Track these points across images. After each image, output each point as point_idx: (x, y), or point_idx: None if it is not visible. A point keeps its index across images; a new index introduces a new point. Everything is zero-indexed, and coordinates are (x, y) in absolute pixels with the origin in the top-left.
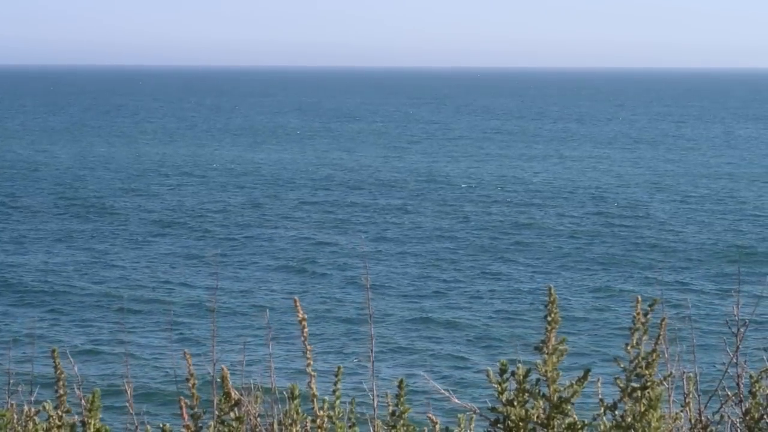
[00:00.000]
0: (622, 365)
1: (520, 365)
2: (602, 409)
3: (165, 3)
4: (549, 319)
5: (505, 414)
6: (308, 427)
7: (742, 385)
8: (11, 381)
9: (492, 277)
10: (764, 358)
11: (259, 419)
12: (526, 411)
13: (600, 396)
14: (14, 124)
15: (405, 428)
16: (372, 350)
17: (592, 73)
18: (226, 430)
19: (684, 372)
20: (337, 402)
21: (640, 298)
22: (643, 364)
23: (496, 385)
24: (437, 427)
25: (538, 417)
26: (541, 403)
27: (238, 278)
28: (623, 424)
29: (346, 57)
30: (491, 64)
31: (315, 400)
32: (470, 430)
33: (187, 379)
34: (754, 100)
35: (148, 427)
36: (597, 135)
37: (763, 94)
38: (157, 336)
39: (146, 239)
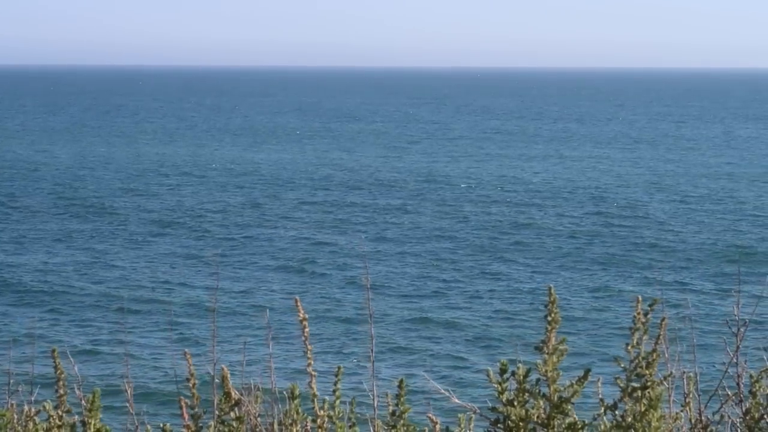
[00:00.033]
0: (622, 365)
1: (520, 365)
2: (602, 408)
3: (165, 3)
4: (549, 319)
5: (506, 414)
6: (308, 427)
7: (742, 385)
8: (11, 381)
9: (491, 277)
10: (764, 358)
11: (259, 419)
12: (527, 411)
13: (600, 396)
14: (14, 124)
15: (405, 428)
16: (372, 350)
17: (592, 73)
18: (226, 430)
19: (684, 372)
20: (338, 402)
21: (640, 298)
22: (644, 364)
23: (496, 385)
24: (437, 427)
25: (538, 417)
26: (541, 403)
27: (237, 278)
28: (623, 424)
29: (346, 57)
30: (491, 64)
31: (315, 400)
32: (470, 430)
33: (187, 379)
34: (754, 100)
35: (149, 426)
36: (597, 135)
37: (763, 94)
38: (156, 336)
39: (146, 239)
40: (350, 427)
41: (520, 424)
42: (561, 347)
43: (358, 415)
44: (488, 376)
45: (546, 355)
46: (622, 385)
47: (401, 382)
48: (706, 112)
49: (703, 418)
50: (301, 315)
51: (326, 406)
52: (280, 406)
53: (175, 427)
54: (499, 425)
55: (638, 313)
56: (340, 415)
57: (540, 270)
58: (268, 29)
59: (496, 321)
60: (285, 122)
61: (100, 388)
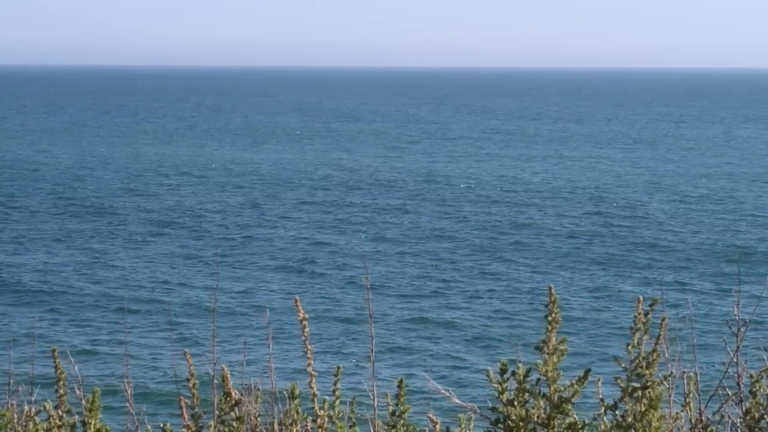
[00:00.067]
0: (622, 365)
1: (520, 365)
2: (603, 408)
3: (165, 3)
4: (549, 318)
5: (506, 414)
6: (309, 427)
7: (742, 385)
8: (11, 381)
9: (491, 277)
10: (764, 358)
11: (259, 419)
12: (527, 411)
13: (600, 396)
14: (14, 124)
15: (405, 428)
16: (372, 350)
17: (592, 73)
18: (226, 430)
19: (684, 372)
20: (338, 402)
21: (641, 298)
22: (644, 364)
23: (496, 385)
24: (437, 427)
25: (538, 417)
26: (541, 403)
27: (237, 278)
28: (624, 423)
29: (346, 57)
30: (491, 64)
31: (315, 400)
32: (470, 430)
33: (188, 379)
34: (754, 100)
35: (149, 426)
36: (597, 135)
37: (763, 94)
38: (156, 336)
39: (145, 239)
40: (350, 427)
41: (521, 424)
42: (561, 347)
43: (358, 416)
44: (488, 376)
45: (546, 355)
46: (622, 385)
47: (401, 382)
48: (706, 112)
49: (703, 418)
50: (301, 315)
51: (326, 406)
52: (280, 406)
53: (175, 427)
54: (499, 425)
55: (639, 313)
56: (340, 415)
57: (539, 270)
58: (268, 29)
59: (496, 321)
60: (285, 122)
61: (100, 388)
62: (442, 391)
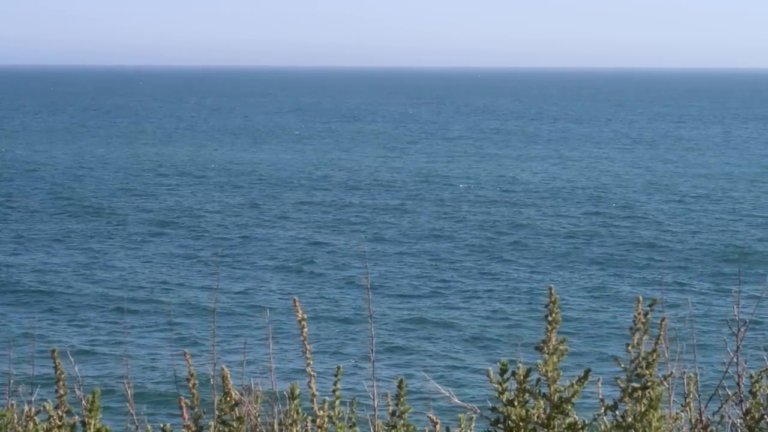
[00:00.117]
0: (622, 365)
1: (520, 365)
2: (603, 409)
3: (165, 3)
4: (550, 319)
5: (506, 414)
6: (308, 427)
7: (742, 385)
8: (11, 381)
9: (490, 277)
10: (764, 357)
11: (259, 419)
12: (527, 411)
13: (600, 396)
14: (14, 124)
15: (405, 428)
16: (372, 350)
17: (592, 73)
18: (226, 430)
19: (684, 372)
20: (337, 402)
21: (641, 298)
22: (644, 364)
23: (496, 385)
24: (438, 427)
25: (538, 417)
26: (541, 403)
27: (236, 278)
28: (624, 424)
29: (346, 57)
30: (491, 64)
31: (315, 400)
32: (471, 430)
33: (187, 379)
34: (754, 100)
35: (149, 426)
36: (596, 135)
37: (763, 94)
38: (155, 336)
39: (145, 239)
40: (350, 427)
41: (521, 424)
42: (561, 347)
43: (358, 416)
44: (488, 376)
45: (546, 355)
46: (622, 385)
47: (401, 382)
48: (706, 113)
49: (703, 418)
50: (300, 315)
51: (326, 407)
52: (280, 406)
53: (175, 427)
54: (499, 425)
55: (639, 314)
56: (340, 415)
57: (538, 270)
58: (268, 29)
59: (494, 321)
60: (284, 122)
61: (99, 388)
62: (442, 391)
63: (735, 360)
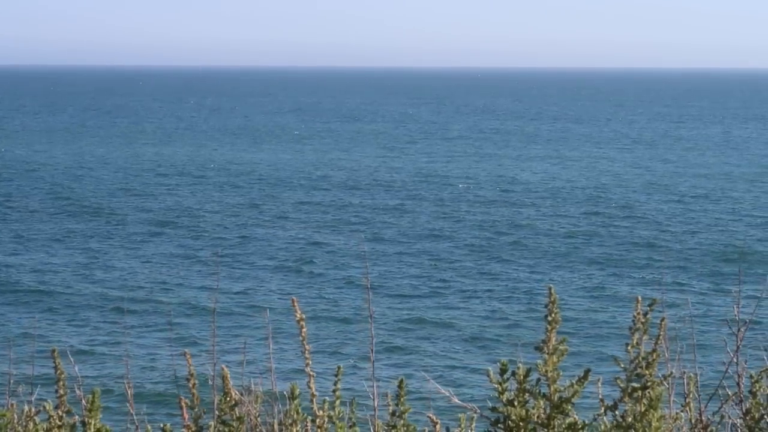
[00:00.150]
0: (622, 365)
1: (521, 365)
2: (602, 409)
3: (165, 3)
4: (549, 319)
5: (506, 414)
6: (308, 428)
7: (742, 385)
8: (11, 381)
9: (489, 277)
10: (764, 357)
11: (259, 419)
12: (527, 411)
13: (600, 396)
14: (14, 124)
15: (405, 428)
16: (372, 350)
17: (592, 73)
18: (226, 430)
19: (684, 372)
20: (338, 402)
21: (640, 298)
22: (644, 364)
23: (496, 385)
24: (438, 427)
25: (538, 417)
26: (541, 403)
27: (235, 278)
28: (624, 424)
29: (346, 57)
30: (491, 64)
31: (314, 400)
32: (471, 430)
33: (188, 379)
34: (754, 100)
35: (149, 426)
36: (596, 135)
37: (763, 94)
38: (155, 336)
39: (144, 239)
40: (350, 427)
41: (521, 424)
42: (561, 347)
43: (358, 416)
44: (488, 376)
45: (546, 355)
46: (622, 385)
47: (401, 381)
48: (706, 113)
49: (703, 418)
50: (299, 315)
51: (326, 407)
52: (280, 406)
53: (175, 427)
54: (499, 425)
55: (638, 314)
56: (340, 415)
57: (538, 270)
58: (268, 29)
59: (494, 321)
60: (284, 122)
61: (99, 388)
62: (442, 391)
63: (735, 360)
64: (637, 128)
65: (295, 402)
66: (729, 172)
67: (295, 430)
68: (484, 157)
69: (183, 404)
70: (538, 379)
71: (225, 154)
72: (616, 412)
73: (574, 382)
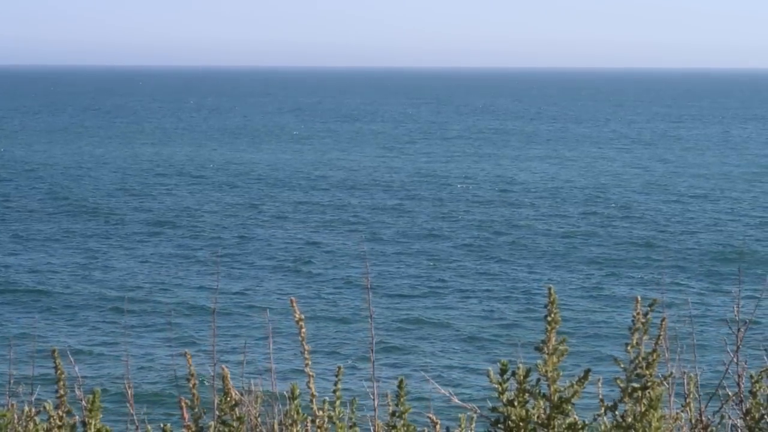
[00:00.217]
0: (622, 365)
1: (521, 365)
2: (602, 409)
3: (165, 3)
4: (549, 319)
5: (506, 414)
6: (308, 428)
7: (742, 385)
8: (11, 381)
9: (488, 277)
10: (764, 358)
11: (259, 419)
12: (527, 411)
13: (600, 396)
14: (13, 124)
15: (405, 428)
16: (372, 350)
17: (592, 73)
18: (226, 430)
19: (684, 372)
20: (338, 402)
21: (640, 298)
22: (644, 364)
23: (496, 385)
24: (437, 427)
25: (538, 417)
26: (541, 403)
27: (235, 278)
28: (624, 424)
29: (346, 57)
30: (491, 64)
31: (314, 400)
32: (471, 430)
33: (188, 379)
34: (754, 100)
35: (149, 427)
36: (595, 135)
37: (763, 94)
38: (155, 336)
39: (143, 239)
40: (350, 427)
41: (521, 424)
42: (561, 347)
43: (358, 416)
44: (489, 376)
45: (546, 356)
46: (622, 385)
47: (401, 382)
48: (706, 113)
49: (703, 418)
50: (297, 316)
51: (326, 407)
52: (280, 406)
53: (175, 427)
54: (499, 425)
55: (638, 313)
56: (341, 415)
57: (537, 270)
58: (268, 29)
59: (492, 321)
60: (284, 122)
61: (99, 389)
62: (442, 391)
63: (735, 360)
64: (636, 128)
65: (295, 402)
66: (728, 172)
67: (295, 430)
68: (483, 157)
69: (183, 404)
70: (538, 380)
71: (224, 154)
72: (616, 412)
73: (574, 382)
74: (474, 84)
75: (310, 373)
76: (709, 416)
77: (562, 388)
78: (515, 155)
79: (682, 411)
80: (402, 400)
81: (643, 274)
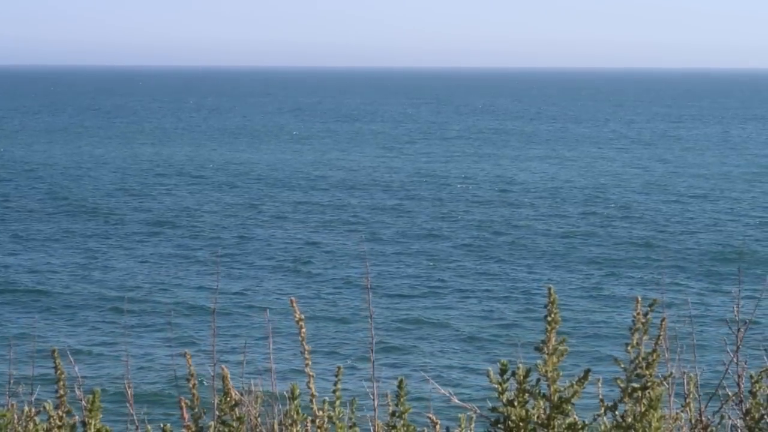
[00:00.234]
0: (622, 365)
1: (520, 365)
2: (602, 409)
3: (165, 3)
4: (549, 319)
5: (506, 414)
6: (308, 428)
7: (742, 385)
8: (11, 381)
9: (487, 277)
10: (764, 358)
11: (259, 419)
12: (527, 411)
13: (600, 396)
14: (13, 124)
15: (405, 428)
16: (372, 350)
17: (592, 73)
18: (226, 430)
19: (684, 372)
20: (338, 402)
21: (640, 298)
22: (644, 364)
23: (496, 386)
24: (437, 427)
25: (538, 417)
26: (541, 403)
27: (234, 278)
28: (624, 424)
29: (346, 57)
30: (491, 64)
31: (314, 400)
32: (470, 430)
33: (188, 379)
34: (754, 100)
35: (149, 427)
36: (595, 135)
37: (763, 94)
38: (154, 336)
39: (143, 239)
40: (350, 427)
41: (521, 424)
42: (561, 347)
43: (358, 416)
44: (489, 376)
45: (546, 356)
46: (622, 385)
47: (401, 381)
48: (706, 113)
49: (703, 418)
50: (297, 316)
51: (326, 407)
52: (280, 406)
53: (175, 427)
54: (499, 425)
55: (638, 314)
56: (340, 415)
57: (536, 270)
58: (268, 29)
59: (492, 321)
60: (283, 122)
61: (99, 389)
62: (442, 391)
63: (735, 360)
64: (636, 128)
65: (295, 402)
66: (728, 172)
67: (295, 430)
68: (483, 157)
69: (183, 404)
70: (538, 380)
71: (224, 154)
72: (616, 413)
73: (574, 382)
74: (474, 84)
75: (310, 373)
76: (709, 416)
77: (562, 388)
78: (515, 155)
79: (682, 411)
80: (402, 400)
81: (642, 274)
